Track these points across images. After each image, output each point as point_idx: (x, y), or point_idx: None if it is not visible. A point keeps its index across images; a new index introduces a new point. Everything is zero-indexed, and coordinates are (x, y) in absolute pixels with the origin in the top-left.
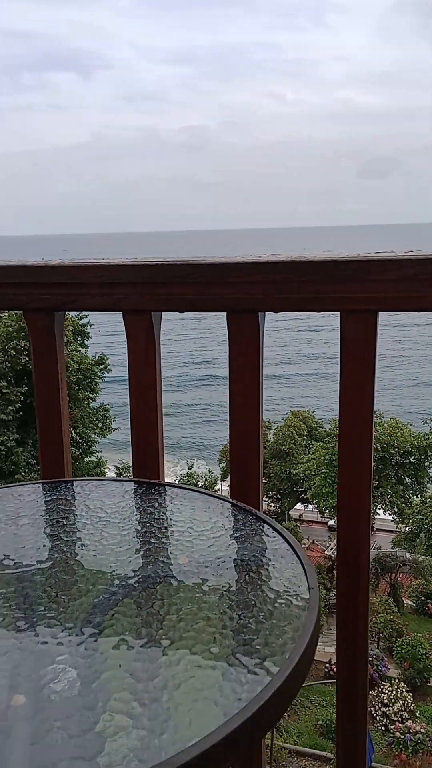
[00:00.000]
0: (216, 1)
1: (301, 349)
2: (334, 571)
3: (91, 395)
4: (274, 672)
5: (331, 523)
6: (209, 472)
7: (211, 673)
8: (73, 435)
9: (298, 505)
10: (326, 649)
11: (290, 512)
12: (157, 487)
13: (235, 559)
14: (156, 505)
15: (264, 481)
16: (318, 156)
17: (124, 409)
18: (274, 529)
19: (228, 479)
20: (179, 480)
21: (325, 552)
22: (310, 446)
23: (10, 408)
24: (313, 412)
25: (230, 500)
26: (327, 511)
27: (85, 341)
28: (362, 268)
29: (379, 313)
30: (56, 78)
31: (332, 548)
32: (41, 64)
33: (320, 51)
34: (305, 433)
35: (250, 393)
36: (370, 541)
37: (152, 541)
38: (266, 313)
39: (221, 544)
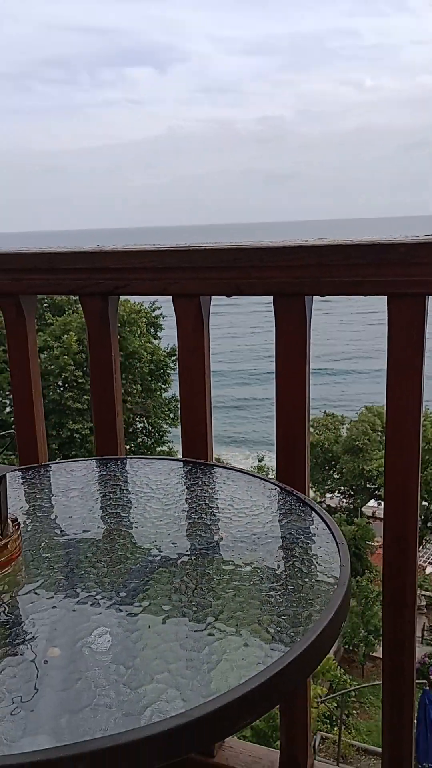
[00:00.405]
0: None
1: (377, 344)
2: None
3: (163, 386)
4: (297, 641)
5: None
6: None
7: (235, 639)
8: (146, 425)
9: (372, 502)
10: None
11: (363, 509)
12: (201, 467)
13: (270, 536)
14: (199, 483)
15: (336, 476)
16: (397, 144)
17: None
18: (313, 509)
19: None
20: None
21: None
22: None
23: (85, 397)
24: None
25: (272, 481)
26: None
27: (158, 333)
28: (410, 252)
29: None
30: (133, 73)
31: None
32: (119, 60)
33: (401, 35)
34: (379, 428)
35: (296, 378)
36: (417, 525)
37: (192, 516)
38: (313, 297)
39: (259, 522)
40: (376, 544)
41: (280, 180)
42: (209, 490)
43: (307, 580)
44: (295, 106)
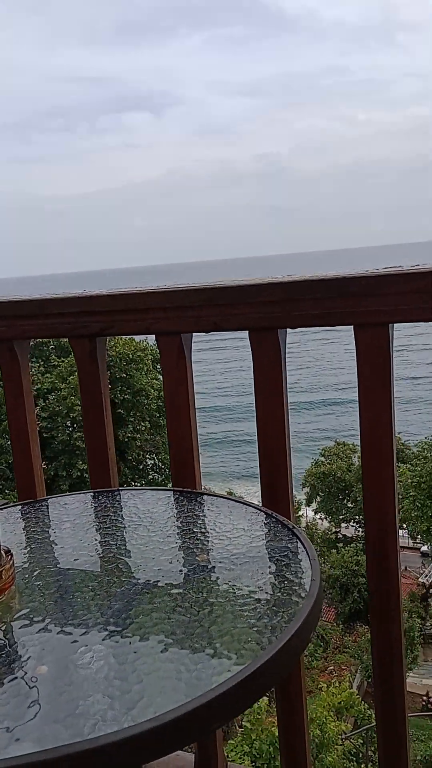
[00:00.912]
0: (283, 31)
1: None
2: (430, 600)
3: None
4: (265, 649)
5: (424, 548)
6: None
7: (207, 650)
8: (156, 461)
9: None
10: (424, 682)
11: None
12: (187, 495)
13: (248, 556)
14: (185, 510)
15: (350, 505)
16: (393, 174)
17: (206, 438)
18: (291, 530)
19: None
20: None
21: (419, 579)
22: (398, 469)
23: None
24: (399, 433)
25: (253, 505)
26: (419, 536)
27: None
28: (371, 284)
29: (394, 325)
30: (131, 118)
31: (426, 575)
32: (116, 107)
33: (391, 70)
34: None
35: (275, 407)
36: (397, 544)
37: (176, 541)
38: (286, 330)
39: (238, 543)
40: None
41: (281, 214)
42: (193, 517)
43: (279, 594)
44: (291, 143)
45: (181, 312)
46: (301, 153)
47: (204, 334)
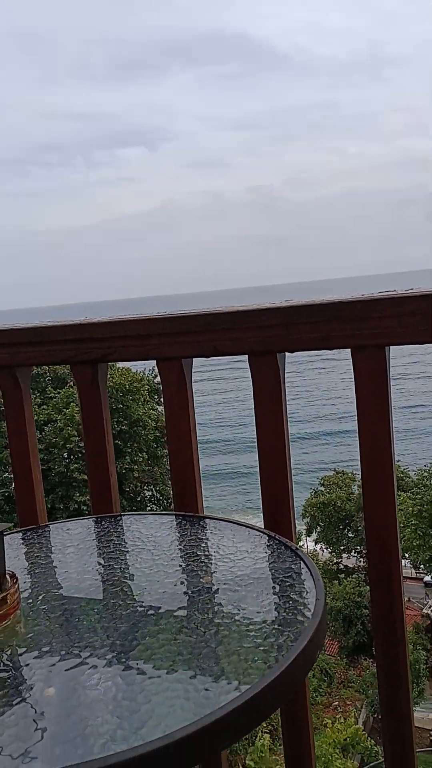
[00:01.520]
0: (273, 68)
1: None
2: None
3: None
4: (272, 667)
5: (428, 578)
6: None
7: (215, 669)
8: (154, 492)
9: None
10: (431, 716)
11: None
12: (190, 519)
13: (252, 577)
14: (188, 533)
15: (351, 535)
16: (383, 205)
17: (207, 469)
18: (293, 551)
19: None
20: None
21: (423, 611)
22: (398, 497)
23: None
24: (398, 461)
25: (256, 527)
26: (422, 566)
27: (162, 399)
28: (366, 307)
29: (390, 347)
30: (125, 153)
31: (430, 606)
32: (111, 142)
33: (378, 104)
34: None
35: (276, 429)
36: (400, 568)
37: (180, 564)
38: (285, 353)
39: (242, 565)
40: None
41: (274, 244)
42: (197, 540)
43: (284, 614)
44: (282, 175)
45: (181, 337)
46: (293, 185)
47: (203, 362)
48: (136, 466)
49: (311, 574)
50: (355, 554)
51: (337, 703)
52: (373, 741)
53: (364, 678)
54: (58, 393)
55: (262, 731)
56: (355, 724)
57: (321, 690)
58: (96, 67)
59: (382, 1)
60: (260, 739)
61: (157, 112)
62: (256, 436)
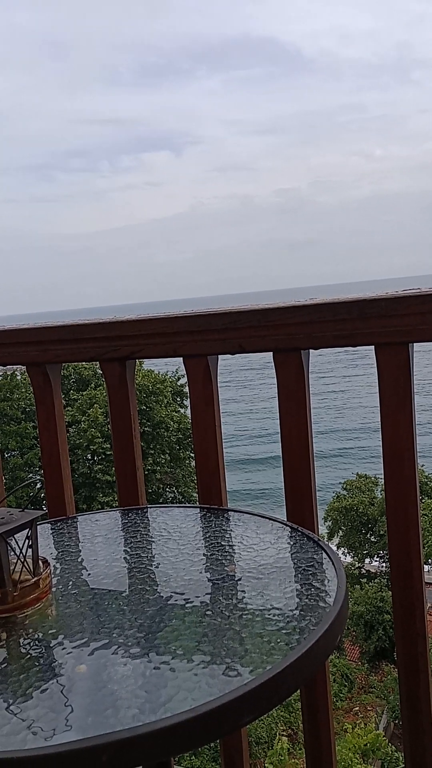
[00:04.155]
0: (300, 71)
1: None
2: None
3: (191, 455)
4: (293, 649)
5: None
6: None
7: (239, 649)
8: (176, 494)
9: None
10: None
11: None
12: (215, 511)
13: (275, 566)
14: (212, 525)
15: (374, 540)
16: (410, 207)
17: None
18: (315, 542)
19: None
20: None
21: None
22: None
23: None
24: (423, 465)
25: (279, 520)
26: None
27: (184, 401)
28: (390, 305)
29: (414, 344)
30: (151, 158)
31: None
32: (136, 147)
33: (406, 106)
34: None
35: (299, 425)
36: (422, 565)
37: (205, 553)
38: (309, 350)
39: (266, 555)
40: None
41: (301, 248)
42: (221, 531)
43: (306, 600)
44: (309, 179)
45: (207, 335)
46: (319, 188)
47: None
48: (158, 468)
49: (333, 564)
50: (378, 559)
51: (357, 708)
52: (393, 747)
53: (385, 683)
54: (81, 395)
55: (280, 734)
56: (376, 730)
57: (341, 695)
58: (122, 72)
59: (410, 3)
60: (278, 741)
61: (182, 117)
62: (280, 433)
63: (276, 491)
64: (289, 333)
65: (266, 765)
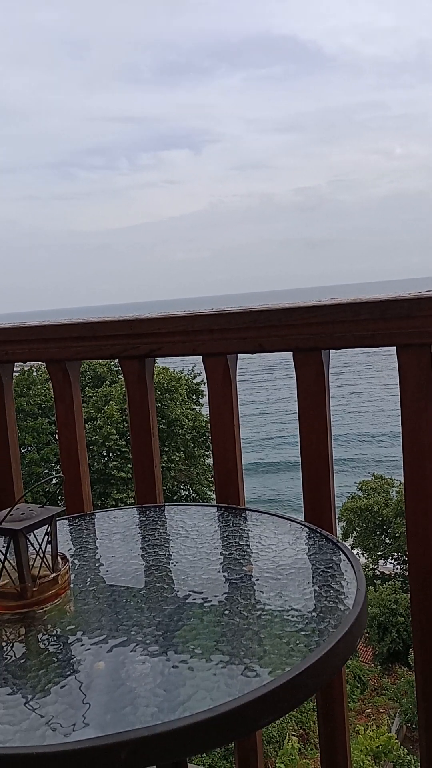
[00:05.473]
0: (320, 69)
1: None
2: None
3: (206, 452)
4: (313, 650)
5: None
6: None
7: (258, 650)
8: (190, 492)
9: None
10: None
11: None
12: (233, 511)
13: (294, 567)
14: (230, 524)
15: (388, 541)
16: (430, 206)
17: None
18: (334, 544)
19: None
20: None
21: None
22: None
23: (129, 466)
24: None
25: (297, 520)
26: None
27: (200, 399)
28: (413, 306)
29: None
30: (170, 156)
31: None
32: (155, 145)
33: (428, 104)
34: None
35: (318, 425)
36: None
37: (223, 552)
38: (330, 351)
39: (284, 555)
40: None
41: (320, 246)
42: (239, 531)
43: (325, 602)
44: (328, 177)
45: (227, 334)
46: (339, 186)
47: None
48: (173, 465)
49: (352, 566)
50: (392, 561)
51: (369, 710)
52: (406, 750)
53: (398, 686)
54: (96, 392)
55: (290, 734)
56: (388, 732)
57: (354, 696)
58: (142, 71)
59: None
60: (289, 741)
61: (201, 115)
62: (299, 433)
63: (285, 500)
64: (310, 333)
65: (277, 764)
